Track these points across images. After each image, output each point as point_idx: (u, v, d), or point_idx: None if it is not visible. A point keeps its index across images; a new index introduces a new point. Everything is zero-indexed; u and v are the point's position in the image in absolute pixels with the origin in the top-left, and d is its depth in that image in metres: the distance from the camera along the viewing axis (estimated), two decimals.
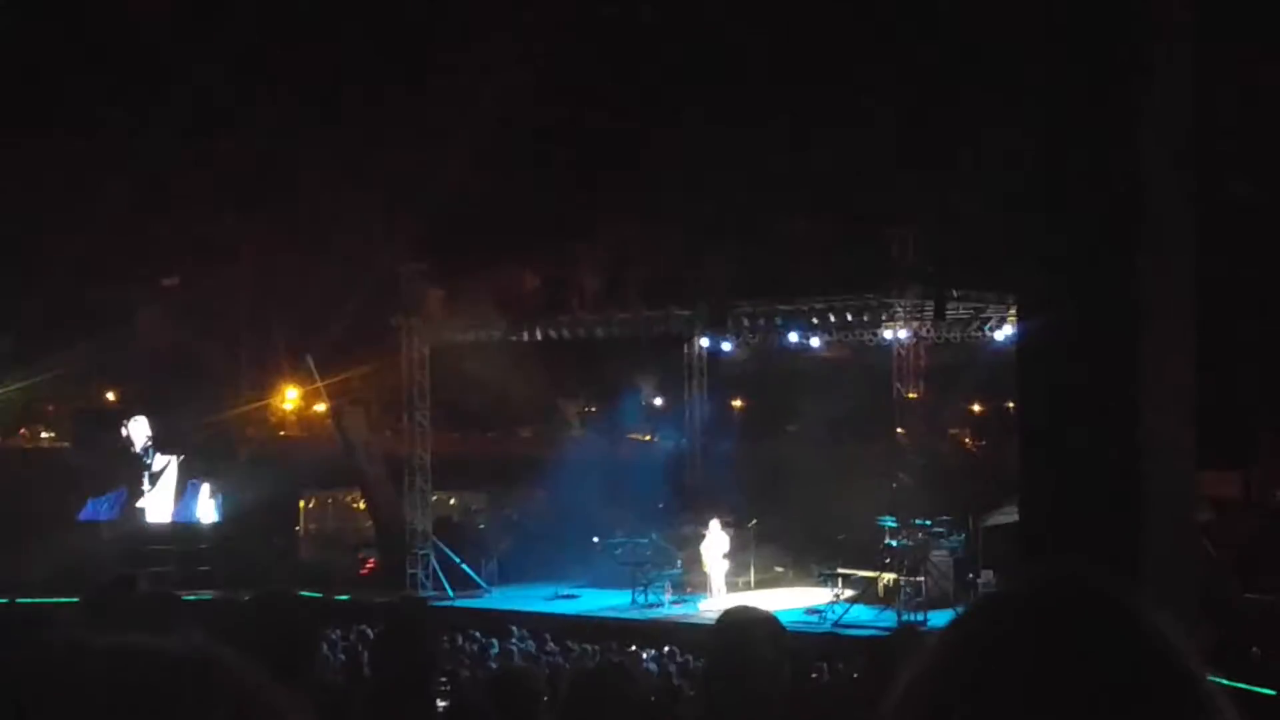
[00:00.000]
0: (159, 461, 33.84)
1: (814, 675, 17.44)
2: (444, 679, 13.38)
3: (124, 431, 33.76)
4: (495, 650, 21.48)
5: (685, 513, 30.89)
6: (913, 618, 24.42)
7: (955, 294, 25.92)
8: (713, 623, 4.84)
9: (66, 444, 40.26)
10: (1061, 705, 1.28)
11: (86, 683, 1.22)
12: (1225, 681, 15.00)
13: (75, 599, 5.58)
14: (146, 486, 33.70)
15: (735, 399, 41.55)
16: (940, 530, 26.54)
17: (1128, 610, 1.37)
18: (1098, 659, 1.31)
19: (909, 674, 1.40)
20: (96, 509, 33.58)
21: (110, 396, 42.77)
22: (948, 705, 1.34)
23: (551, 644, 22.42)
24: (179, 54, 33.62)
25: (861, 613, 25.74)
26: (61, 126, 35.87)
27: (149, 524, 33.44)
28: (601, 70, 33.87)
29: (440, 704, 6.40)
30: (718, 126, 32.87)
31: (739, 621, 4.71)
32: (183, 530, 33.47)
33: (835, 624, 25.10)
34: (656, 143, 33.46)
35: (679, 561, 28.55)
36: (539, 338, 29.93)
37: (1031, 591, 1.43)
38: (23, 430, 46.91)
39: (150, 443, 33.89)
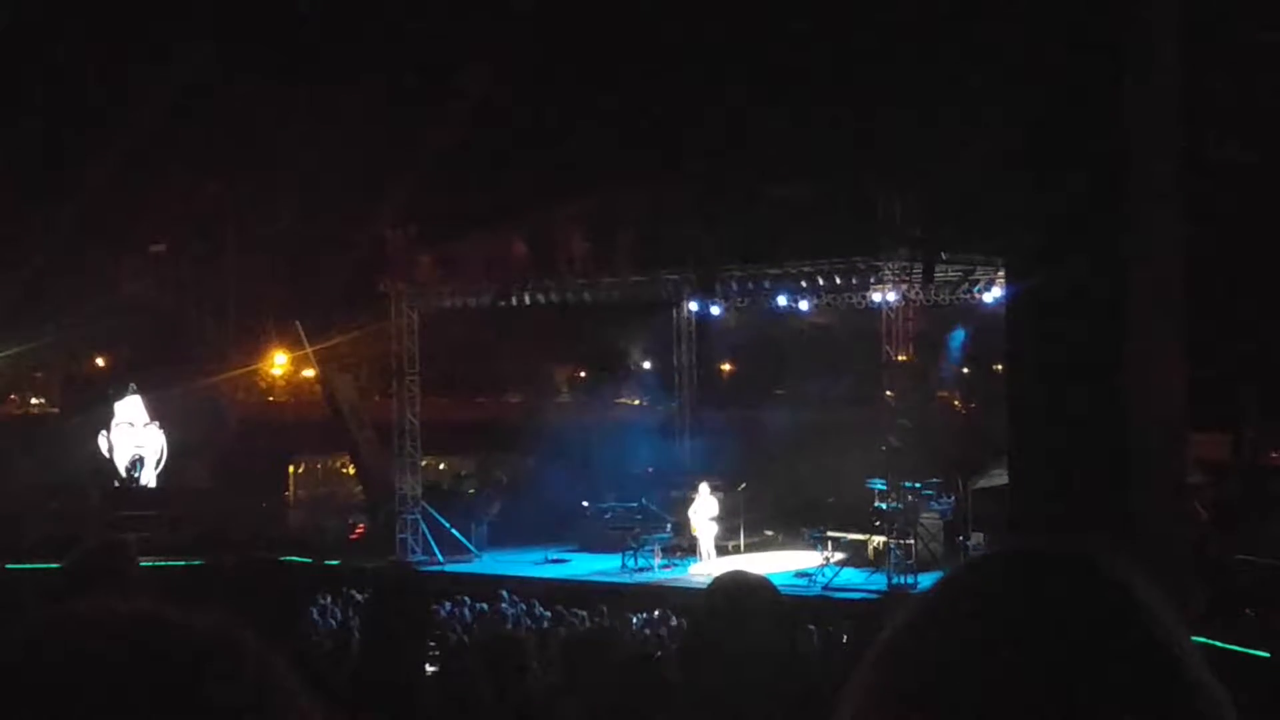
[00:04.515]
0: (146, 470, 33.76)
1: (804, 639, 17.48)
2: (433, 643, 13.41)
3: (103, 444, 33.53)
4: (485, 614, 21.53)
5: (674, 477, 30.92)
6: (902, 580, 24.53)
7: (944, 256, 25.88)
8: (705, 587, 4.80)
9: (56, 410, 40.28)
10: (1040, 668, 1.30)
11: (109, 650, 1.23)
12: (1218, 644, 15.06)
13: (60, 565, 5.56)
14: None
15: (725, 363, 41.55)
16: (930, 493, 26.61)
17: (1108, 576, 1.39)
18: (1076, 624, 1.33)
19: (889, 632, 1.42)
20: None
21: (100, 362, 42.75)
22: (927, 663, 1.35)
23: (541, 608, 22.48)
24: (163, 20, 33.50)
25: (851, 575, 25.81)
26: (45, 94, 35.77)
27: (139, 487, 33.49)
28: (591, 35, 33.75)
29: (429, 668, 6.39)
30: (707, 91, 32.80)
31: (733, 586, 4.68)
32: (172, 495, 33.44)
33: (825, 587, 25.15)
34: (645, 107, 33.40)
35: (669, 525, 28.58)
36: (528, 302, 29.88)
37: (1015, 556, 1.45)
38: (12, 396, 46.91)
39: (139, 451, 33.68)
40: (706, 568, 26.17)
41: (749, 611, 4.42)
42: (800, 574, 26.01)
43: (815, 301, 29.98)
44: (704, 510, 27.56)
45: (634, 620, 21.33)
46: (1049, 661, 1.30)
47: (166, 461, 33.99)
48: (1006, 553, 1.47)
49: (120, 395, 33.88)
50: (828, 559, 26.39)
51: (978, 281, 27.23)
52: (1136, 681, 1.31)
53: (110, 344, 40.95)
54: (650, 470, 32.09)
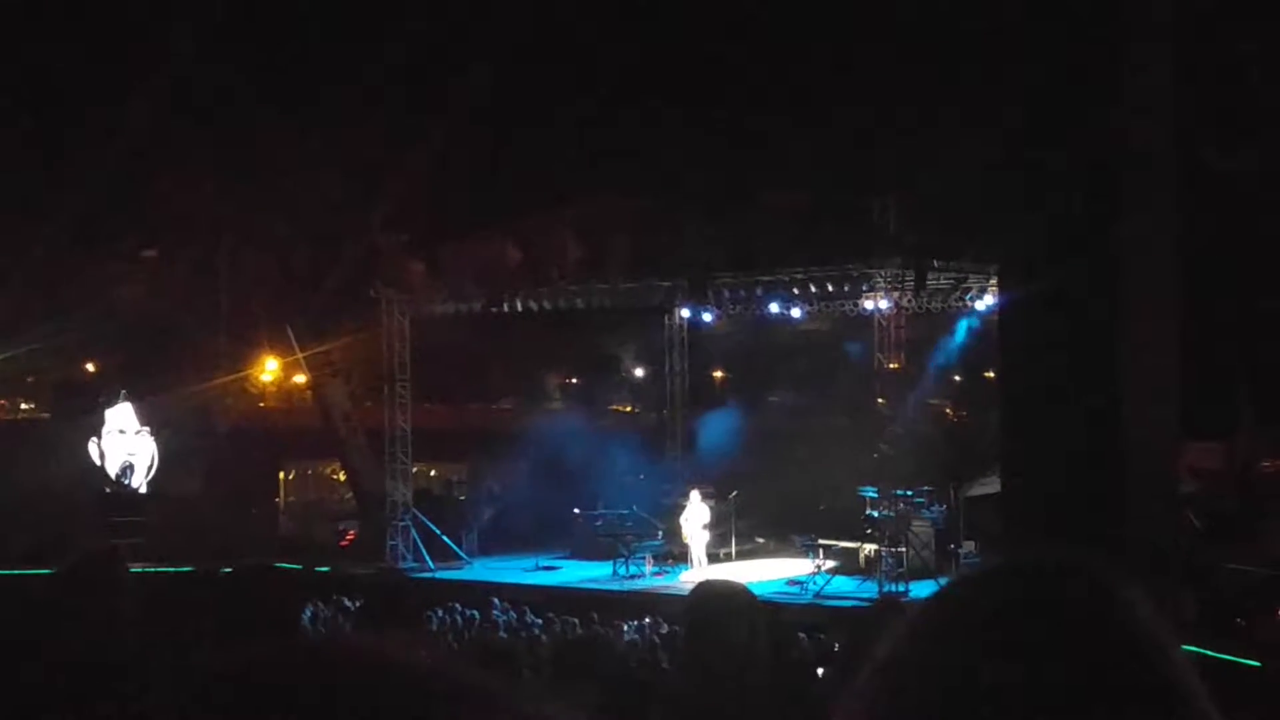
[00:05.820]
0: (137, 477, 33.74)
1: (795, 647, 17.45)
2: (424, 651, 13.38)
3: (94, 451, 33.51)
4: (476, 621, 21.49)
5: (666, 484, 30.92)
6: (894, 588, 24.50)
7: (936, 263, 25.89)
8: (684, 597, 4.84)
9: (46, 415, 40.21)
10: (1037, 678, 1.31)
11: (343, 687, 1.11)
12: (1209, 653, 15.04)
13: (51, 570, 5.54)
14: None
15: (716, 370, 41.54)
16: (921, 501, 26.59)
17: (1105, 587, 1.40)
18: (1073, 634, 1.35)
19: (890, 645, 1.43)
20: None
21: (90, 368, 42.65)
22: (927, 678, 1.37)
23: (532, 616, 22.44)
24: (156, 27, 33.45)
25: (843, 583, 25.79)
26: (40, 100, 35.72)
27: (130, 493, 33.43)
28: (585, 40, 33.73)
29: None
30: (701, 96, 32.79)
31: (710, 595, 4.70)
32: (162, 501, 33.38)
33: (816, 595, 25.13)
34: (637, 114, 33.36)
35: (660, 533, 28.59)
36: (519, 309, 29.86)
37: (1010, 569, 1.47)
38: (2, 401, 46.75)
39: (131, 458, 33.66)
40: (698, 575, 26.11)
41: (726, 617, 4.44)
42: (792, 581, 26.02)
43: (807, 309, 29.97)
44: (695, 517, 27.57)
45: (625, 628, 21.29)
46: (1046, 674, 1.31)
47: (157, 468, 33.95)
48: (1002, 565, 1.48)
49: (111, 403, 33.86)
50: (819, 566, 26.39)
51: (970, 289, 27.25)
52: (1130, 691, 1.32)
53: (102, 349, 40.83)
54: (641, 477, 32.07)
